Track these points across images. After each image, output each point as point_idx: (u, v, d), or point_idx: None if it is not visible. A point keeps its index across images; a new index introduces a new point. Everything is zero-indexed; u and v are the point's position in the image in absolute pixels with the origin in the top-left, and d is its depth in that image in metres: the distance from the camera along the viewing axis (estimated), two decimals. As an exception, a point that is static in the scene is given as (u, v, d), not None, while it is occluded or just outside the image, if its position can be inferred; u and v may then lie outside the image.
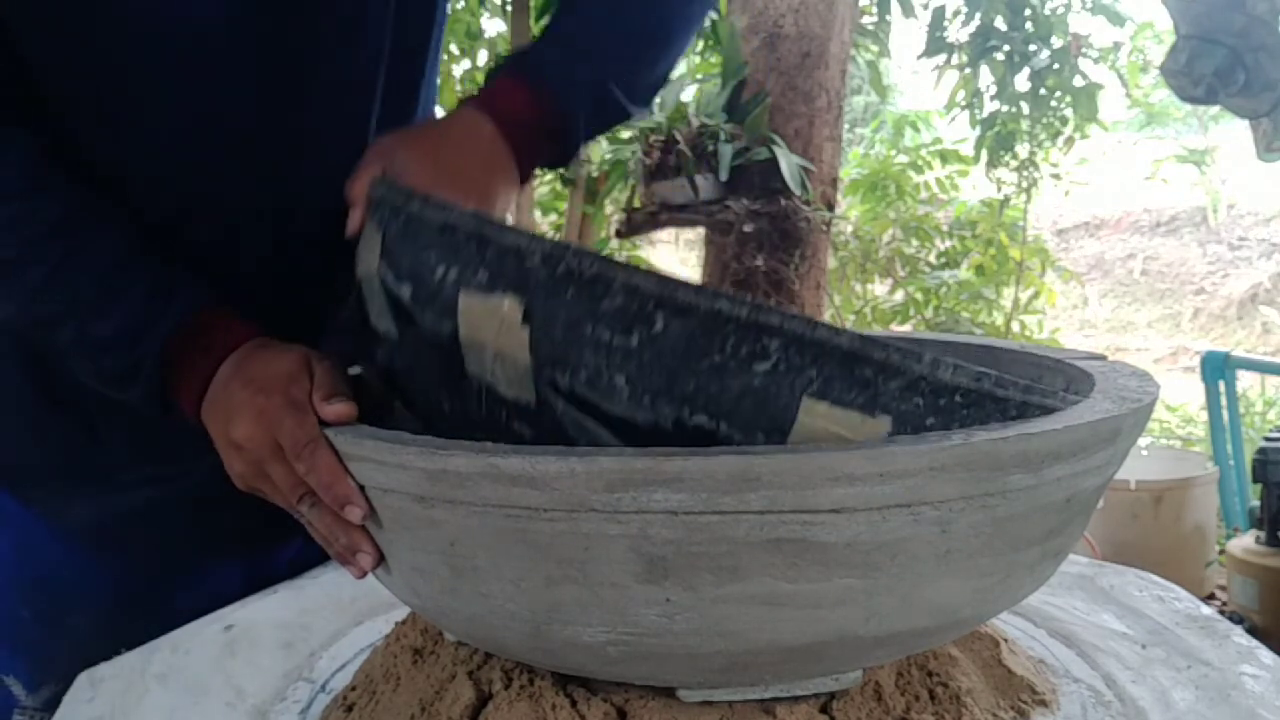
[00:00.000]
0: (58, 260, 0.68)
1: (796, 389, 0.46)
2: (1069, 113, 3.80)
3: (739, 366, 0.46)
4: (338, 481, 0.54)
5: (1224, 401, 3.02)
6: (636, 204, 3.28)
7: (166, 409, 0.69)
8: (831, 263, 3.73)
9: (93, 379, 0.71)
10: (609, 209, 3.62)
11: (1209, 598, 2.88)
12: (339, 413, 0.56)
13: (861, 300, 4.25)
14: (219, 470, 0.67)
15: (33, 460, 0.83)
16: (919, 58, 3.87)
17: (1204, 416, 3.41)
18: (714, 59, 3.55)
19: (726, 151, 3.07)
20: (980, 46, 3.68)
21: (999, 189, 4.06)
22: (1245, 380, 3.95)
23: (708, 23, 3.47)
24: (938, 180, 4.30)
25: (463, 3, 3.41)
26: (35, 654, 0.85)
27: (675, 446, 0.44)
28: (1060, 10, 3.70)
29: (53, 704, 0.79)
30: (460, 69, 3.51)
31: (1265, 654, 0.66)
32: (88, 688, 0.66)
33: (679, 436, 0.47)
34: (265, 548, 0.90)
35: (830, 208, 3.26)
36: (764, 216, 3.07)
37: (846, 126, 3.61)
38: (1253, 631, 1.63)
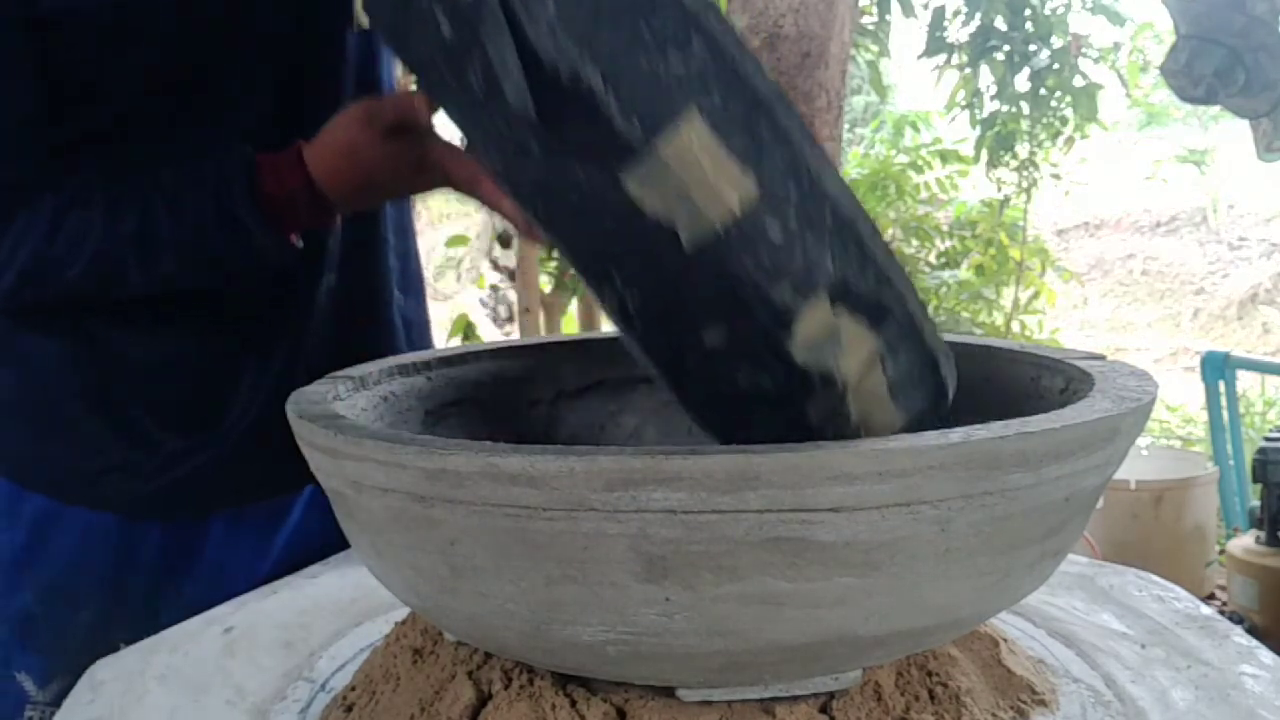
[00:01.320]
0: (134, 225, 0.77)
1: (690, 96, 0.44)
2: (1069, 113, 3.79)
3: (656, 45, 0.45)
4: (466, 172, 0.76)
5: (1224, 401, 3.02)
6: (637, 204, 3.27)
7: (283, 249, 0.79)
8: (832, 263, 3.72)
9: (212, 274, 0.81)
10: (609, 209, 3.62)
11: (1209, 598, 2.88)
12: (418, 107, 0.74)
13: (862, 300, 4.24)
14: (247, 427, 0.85)
15: (71, 462, 0.87)
16: (919, 58, 3.87)
17: (1204, 416, 3.41)
18: (714, 59, 3.55)
19: (726, 151, 3.06)
20: (980, 46, 3.67)
21: (999, 189, 4.05)
22: (1245, 380, 3.94)
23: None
24: (938, 180, 4.29)
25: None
26: (46, 650, 0.87)
27: (560, 103, 0.45)
28: (1060, 10, 3.69)
29: (63, 698, 0.80)
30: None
31: (1265, 654, 0.66)
32: (87, 690, 0.66)
33: (570, 93, 0.46)
34: (278, 514, 0.95)
35: (830, 208, 3.25)
36: (764, 216, 3.07)
37: (846, 126, 3.61)
38: (1253, 631, 1.63)
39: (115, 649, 0.73)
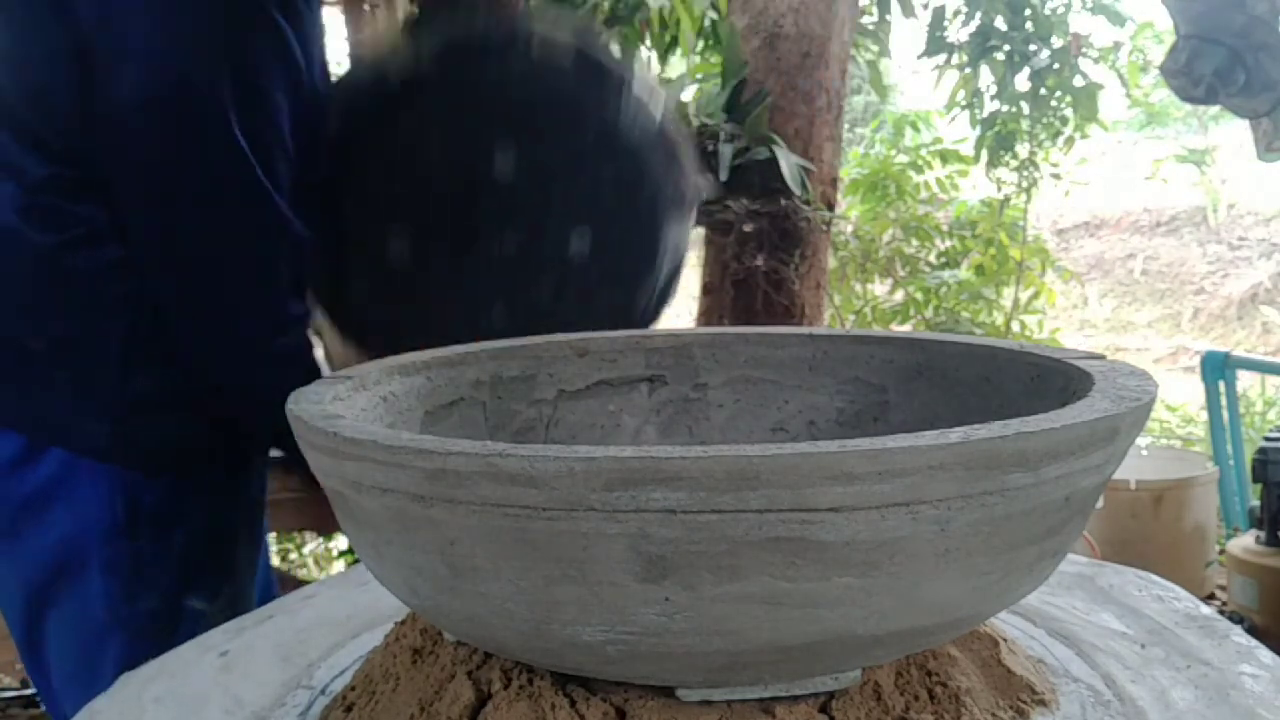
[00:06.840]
0: None
1: None
2: (1069, 113, 3.80)
3: None
4: None
5: (1224, 401, 3.02)
6: (637, 204, 3.28)
7: None
8: (831, 263, 3.72)
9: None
10: (609, 209, 3.62)
11: (1209, 598, 2.88)
12: None
13: (861, 300, 4.25)
14: None
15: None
16: (919, 58, 3.87)
17: (1204, 416, 3.41)
18: (714, 59, 3.55)
19: (726, 151, 3.07)
20: (980, 46, 3.67)
21: (999, 189, 4.05)
22: (1245, 380, 3.95)
23: (708, 22, 3.47)
24: (938, 180, 4.29)
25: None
26: (201, 577, 1.00)
27: None
28: (1060, 10, 3.69)
29: (233, 603, 1.01)
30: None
31: (1265, 654, 0.66)
32: (85, 720, 0.65)
33: None
34: None
35: (830, 208, 3.25)
36: (764, 216, 3.07)
37: (846, 126, 3.60)
38: (1252, 631, 1.63)
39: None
